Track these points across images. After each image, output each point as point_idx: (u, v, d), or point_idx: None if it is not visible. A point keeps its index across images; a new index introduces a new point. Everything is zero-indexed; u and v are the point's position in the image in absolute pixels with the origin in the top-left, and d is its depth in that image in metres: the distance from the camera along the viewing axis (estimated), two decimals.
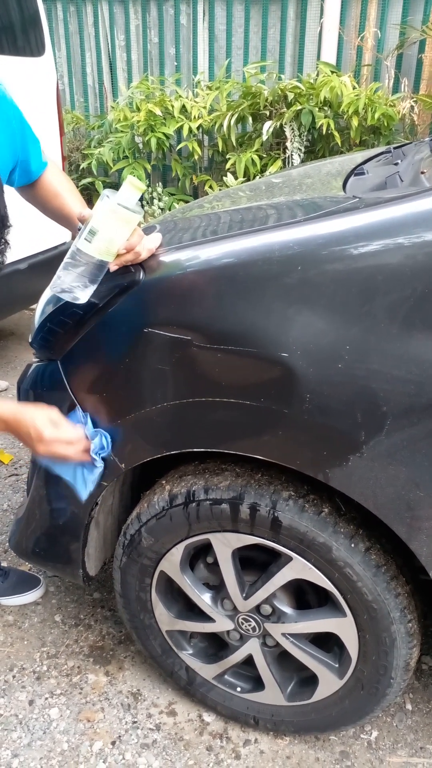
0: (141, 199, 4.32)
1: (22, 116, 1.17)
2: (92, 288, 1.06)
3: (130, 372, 1.10)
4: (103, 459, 1.16)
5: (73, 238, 1.11)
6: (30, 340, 1.27)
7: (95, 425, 1.16)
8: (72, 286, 1.05)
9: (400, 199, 0.95)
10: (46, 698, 1.47)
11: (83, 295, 1.06)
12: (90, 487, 1.21)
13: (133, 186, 0.99)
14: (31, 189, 1.26)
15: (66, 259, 1.05)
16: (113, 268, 1.06)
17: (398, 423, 0.93)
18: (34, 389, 1.26)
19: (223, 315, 1.00)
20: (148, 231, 1.37)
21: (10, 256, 1.17)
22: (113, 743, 1.38)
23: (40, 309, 1.26)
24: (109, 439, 1.15)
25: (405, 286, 0.89)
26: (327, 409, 0.96)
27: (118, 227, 1.01)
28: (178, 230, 1.28)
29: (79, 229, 1.09)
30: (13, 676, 1.52)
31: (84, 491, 1.22)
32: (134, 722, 1.42)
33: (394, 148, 1.82)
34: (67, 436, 1.12)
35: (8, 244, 0.88)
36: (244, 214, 1.29)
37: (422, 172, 1.18)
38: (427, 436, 0.93)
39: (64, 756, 1.35)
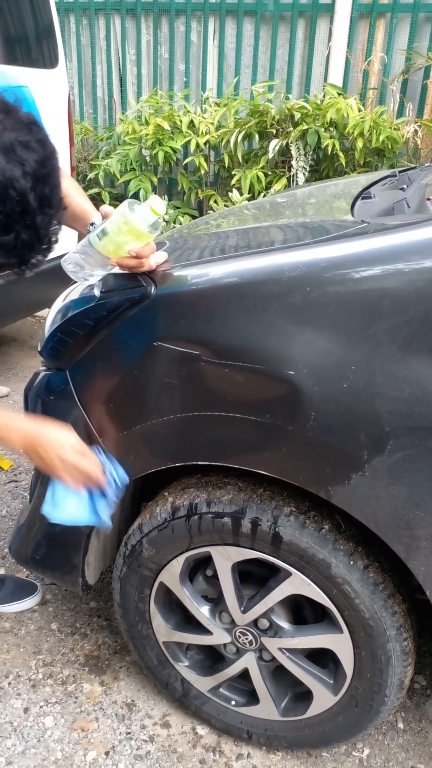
0: None
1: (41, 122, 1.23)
2: (99, 274, 1.12)
3: (138, 384, 1.12)
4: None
5: (81, 237, 1.16)
6: (39, 349, 1.28)
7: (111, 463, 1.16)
8: (80, 266, 1.11)
9: (409, 226, 0.98)
10: (41, 706, 1.48)
11: (91, 278, 1.12)
12: (108, 515, 1.17)
13: (151, 208, 1.03)
14: None
15: (79, 244, 1.10)
16: (113, 263, 1.10)
17: (400, 443, 0.95)
18: (41, 397, 1.27)
19: (232, 332, 1.02)
20: (156, 247, 1.40)
21: None
22: (107, 753, 1.38)
23: (50, 318, 1.28)
24: (125, 483, 1.15)
25: (411, 310, 0.92)
26: (331, 427, 0.98)
27: (127, 239, 1.05)
28: (189, 247, 1.31)
29: (92, 224, 1.19)
30: (9, 683, 1.53)
31: (105, 518, 1.17)
32: (128, 733, 1.42)
33: (400, 172, 1.86)
34: (89, 466, 1.11)
35: (60, 225, 0.94)
36: (255, 233, 1.31)
37: (428, 199, 1.21)
38: (428, 457, 0.95)
39: (58, 765, 1.35)
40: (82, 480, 1.13)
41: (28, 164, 0.83)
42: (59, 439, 1.11)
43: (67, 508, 1.16)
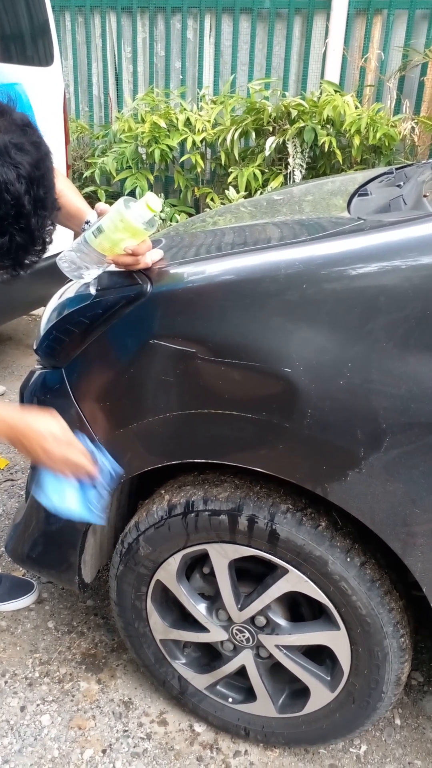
0: None
1: (34, 121, 1.22)
2: (95, 272, 1.11)
3: (134, 382, 1.12)
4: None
5: (76, 236, 1.16)
6: (35, 347, 1.28)
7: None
8: (76, 264, 1.10)
9: (405, 223, 0.98)
10: (38, 704, 1.47)
11: (87, 276, 1.11)
12: (101, 507, 1.16)
13: (147, 205, 1.03)
14: None
15: (74, 242, 1.10)
16: (109, 261, 1.10)
17: (397, 440, 0.95)
18: (37, 396, 1.27)
19: (229, 329, 1.02)
20: (152, 245, 1.40)
21: None
22: (104, 751, 1.38)
23: (46, 317, 1.28)
24: (117, 473, 1.15)
25: (408, 307, 0.92)
26: (327, 424, 0.98)
27: (123, 236, 1.05)
28: (185, 244, 1.31)
29: (87, 222, 1.18)
30: (5, 682, 1.52)
31: (99, 516, 1.16)
32: (125, 731, 1.42)
33: (396, 169, 1.86)
34: (74, 456, 1.11)
35: (54, 226, 0.94)
36: (251, 231, 1.31)
37: (425, 196, 1.21)
38: (425, 454, 0.95)
39: (55, 763, 1.35)
40: (69, 470, 1.13)
41: (22, 167, 0.83)
42: (41, 430, 1.10)
43: (58, 497, 1.16)
